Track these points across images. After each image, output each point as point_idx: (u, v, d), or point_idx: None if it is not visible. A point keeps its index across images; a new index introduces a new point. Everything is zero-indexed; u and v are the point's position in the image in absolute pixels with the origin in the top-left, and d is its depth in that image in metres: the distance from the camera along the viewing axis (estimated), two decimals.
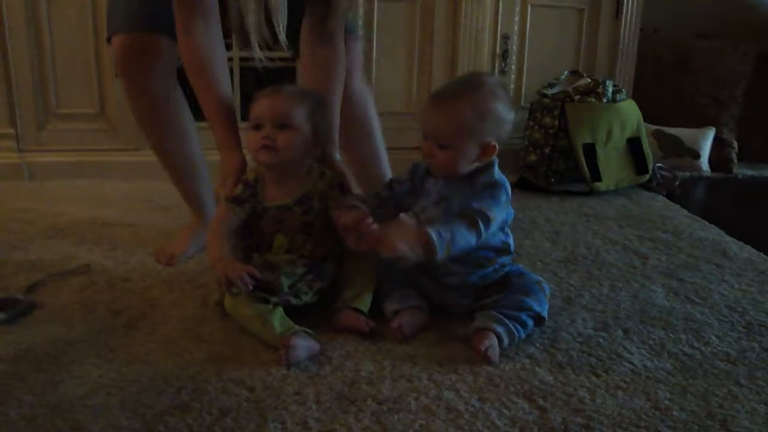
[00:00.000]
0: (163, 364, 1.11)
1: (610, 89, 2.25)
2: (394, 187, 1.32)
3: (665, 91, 2.75)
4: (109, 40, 1.48)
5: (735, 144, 2.60)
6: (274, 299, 1.18)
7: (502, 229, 1.25)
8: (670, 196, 2.26)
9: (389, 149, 2.45)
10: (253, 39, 1.33)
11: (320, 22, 1.38)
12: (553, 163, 2.24)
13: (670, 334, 1.25)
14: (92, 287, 1.40)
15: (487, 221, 1.15)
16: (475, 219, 1.15)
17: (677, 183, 2.34)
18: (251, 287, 1.16)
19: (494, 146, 1.21)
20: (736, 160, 2.59)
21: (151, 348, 1.16)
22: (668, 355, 1.17)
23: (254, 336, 1.17)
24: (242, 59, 2.40)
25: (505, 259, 1.27)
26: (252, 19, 1.31)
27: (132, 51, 1.43)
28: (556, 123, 2.22)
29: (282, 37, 1.34)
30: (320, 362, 1.11)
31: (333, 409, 0.98)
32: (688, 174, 2.51)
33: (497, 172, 1.23)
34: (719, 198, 2.39)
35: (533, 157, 2.27)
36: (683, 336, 1.24)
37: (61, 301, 1.33)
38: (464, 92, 1.20)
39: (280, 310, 1.18)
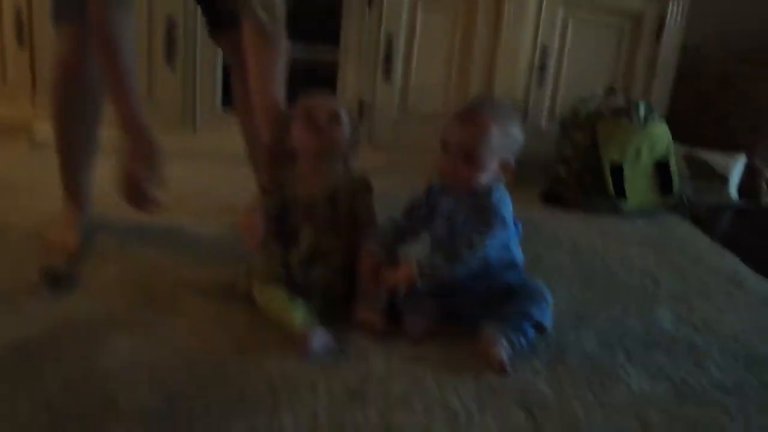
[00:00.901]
0: (190, 346, 1.20)
1: (643, 111, 2.27)
2: (413, 214, 1.38)
3: (702, 112, 2.77)
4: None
5: (766, 173, 2.60)
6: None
7: (506, 246, 1.32)
8: (695, 221, 2.28)
9: (420, 150, 2.52)
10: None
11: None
12: (582, 180, 2.28)
13: (672, 360, 1.29)
14: (129, 264, 1.51)
15: (471, 246, 1.24)
16: (456, 252, 1.25)
17: (703, 208, 2.36)
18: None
19: (512, 165, 1.28)
20: (766, 190, 2.60)
21: (181, 330, 1.25)
22: (667, 381, 1.22)
23: (277, 326, 1.25)
24: None
25: (512, 274, 1.33)
26: None
27: (83, 44, 1.45)
28: (588, 141, 2.26)
29: None
30: (336, 357, 1.20)
31: (343, 402, 1.06)
32: (715, 200, 2.52)
33: (500, 192, 1.30)
34: (744, 227, 2.40)
35: (562, 172, 2.32)
36: (683, 363, 1.29)
37: (100, 278, 1.44)
38: (489, 109, 1.29)
39: (304, 306, 1.26)
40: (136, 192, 1.34)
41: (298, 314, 1.24)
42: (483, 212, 1.27)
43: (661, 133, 2.29)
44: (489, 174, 1.28)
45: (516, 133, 1.30)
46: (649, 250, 1.94)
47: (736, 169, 2.58)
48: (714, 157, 2.58)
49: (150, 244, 1.64)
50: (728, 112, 2.75)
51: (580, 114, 2.32)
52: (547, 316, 1.29)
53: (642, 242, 2.00)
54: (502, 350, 1.21)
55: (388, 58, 2.48)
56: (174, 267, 1.52)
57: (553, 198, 2.33)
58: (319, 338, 1.20)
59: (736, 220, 2.47)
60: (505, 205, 1.29)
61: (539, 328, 1.28)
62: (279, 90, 1.49)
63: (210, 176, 2.25)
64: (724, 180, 2.56)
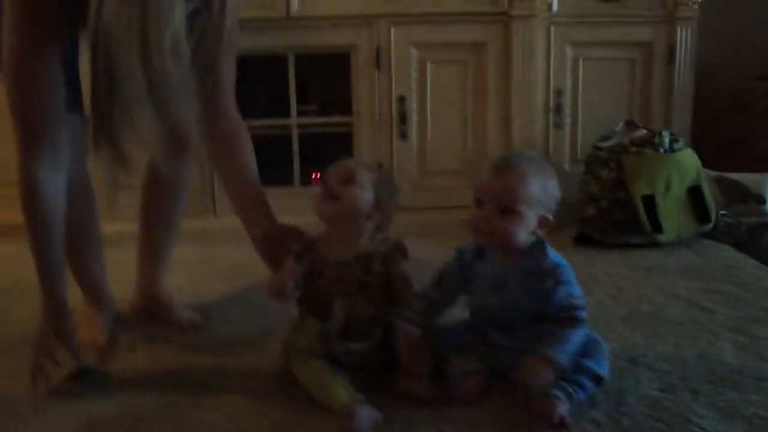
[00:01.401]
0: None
1: (667, 139, 2.22)
2: (444, 282, 1.32)
3: (723, 136, 2.71)
4: None
5: None
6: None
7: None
8: (737, 245, 2.20)
9: (443, 209, 2.49)
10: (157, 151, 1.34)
11: (212, 95, 1.38)
12: (611, 216, 2.22)
13: (742, 395, 1.21)
14: (161, 358, 1.46)
15: (578, 309, 1.20)
16: (569, 316, 1.19)
17: (743, 230, 2.28)
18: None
19: (550, 220, 1.23)
20: None
21: (216, 418, 1.20)
22: (741, 419, 1.14)
23: (319, 402, 1.20)
24: (300, 125, 2.49)
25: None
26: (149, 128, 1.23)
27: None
28: (613, 175, 2.21)
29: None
30: (383, 430, 1.13)
31: None
32: (754, 220, 2.44)
33: (554, 252, 1.25)
34: None
35: (591, 210, 2.26)
36: (755, 397, 1.20)
37: (131, 371, 1.39)
38: (527, 161, 1.24)
39: (345, 379, 1.21)
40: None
41: (341, 389, 1.18)
42: (554, 271, 1.22)
43: (689, 159, 2.23)
44: (528, 229, 1.22)
45: (553, 187, 1.25)
46: (694, 280, 1.85)
47: None
48: (746, 177, 2.51)
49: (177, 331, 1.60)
50: (750, 133, 2.69)
51: (602, 150, 2.27)
52: (604, 367, 1.22)
53: (686, 273, 1.92)
54: (561, 405, 1.13)
55: (403, 119, 2.47)
56: (205, 352, 1.48)
57: (586, 240, 2.26)
58: (366, 413, 1.14)
59: None
60: (563, 261, 1.24)
61: (598, 380, 1.20)
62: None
63: (233, 257, 2.21)
64: (760, 199, 2.48)
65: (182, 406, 1.24)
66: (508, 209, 1.20)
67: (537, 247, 1.25)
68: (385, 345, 1.29)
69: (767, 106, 2.66)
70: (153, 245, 1.63)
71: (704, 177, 2.25)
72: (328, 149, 2.45)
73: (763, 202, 2.50)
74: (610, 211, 2.22)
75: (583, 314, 1.20)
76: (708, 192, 2.24)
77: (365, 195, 1.29)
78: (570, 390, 1.16)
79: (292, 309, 1.36)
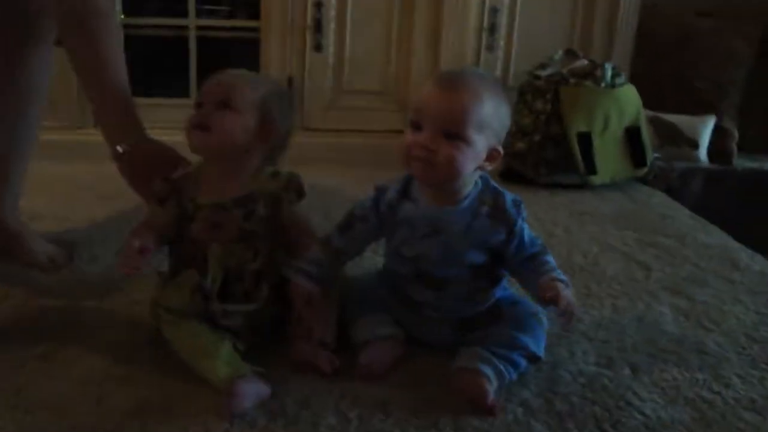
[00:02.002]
0: (78, 412, 0.90)
1: (609, 73, 2.04)
2: (356, 227, 1.07)
3: (662, 73, 2.55)
4: None
5: (736, 134, 2.42)
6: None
7: None
8: (669, 191, 2.08)
9: (362, 132, 2.26)
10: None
11: None
12: (544, 152, 2.04)
13: (685, 373, 1.07)
14: (6, 302, 1.18)
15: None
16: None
17: (675, 176, 2.16)
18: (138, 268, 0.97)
19: (500, 153, 1.01)
20: (736, 151, 2.41)
21: (66, 390, 0.95)
22: (684, 401, 0.99)
23: (194, 372, 0.97)
24: (200, 28, 2.15)
25: (499, 289, 1.07)
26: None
27: None
28: (549, 108, 2.02)
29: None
30: (271, 411, 0.91)
31: None
32: (685, 165, 2.32)
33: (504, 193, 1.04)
34: (719, 193, 2.23)
35: (521, 145, 2.07)
36: (700, 376, 1.06)
37: None
38: (479, 80, 0.99)
39: (227, 345, 0.98)
40: None
41: (220, 360, 0.95)
42: (499, 215, 1.02)
43: (630, 96, 2.07)
44: (476, 161, 0.99)
45: (506, 115, 1.01)
46: (629, 230, 1.71)
47: (706, 131, 2.38)
48: (682, 120, 2.38)
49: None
50: (691, 72, 2.54)
51: (539, 80, 2.06)
52: (542, 345, 1.03)
53: (619, 221, 1.78)
54: (488, 386, 0.95)
55: (319, 27, 2.17)
56: (61, 300, 1.21)
57: (514, 176, 2.08)
58: (250, 390, 0.92)
59: (710, 186, 2.28)
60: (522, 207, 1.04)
61: (533, 359, 1.02)
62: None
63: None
64: (693, 144, 2.36)
65: (19, 374, 0.98)
66: (455, 135, 0.95)
67: (486, 185, 1.04)
68: (277, 304, 1.05)
69: (708, 44, 2.51)
70: None
71: (643, 117, 2.10)
72: (232, 58, 2.14)
73: (696, 146, 2.38)
74: (542, 147, 2.04)
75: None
76: (646, 133, 2.09)
77: (244, 122, 1.02)
78: (501, 367, 0.98)
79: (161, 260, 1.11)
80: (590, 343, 1.14)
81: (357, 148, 2.16)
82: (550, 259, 1.03)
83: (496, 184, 1.05)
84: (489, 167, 1.02)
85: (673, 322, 1.23)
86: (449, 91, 0.96)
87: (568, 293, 0.96)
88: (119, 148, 1.10)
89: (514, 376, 1.00)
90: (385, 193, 1.06)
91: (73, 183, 1.88)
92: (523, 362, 1.01)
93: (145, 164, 1.08)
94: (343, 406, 0.94)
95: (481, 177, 1.04)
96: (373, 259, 1.28)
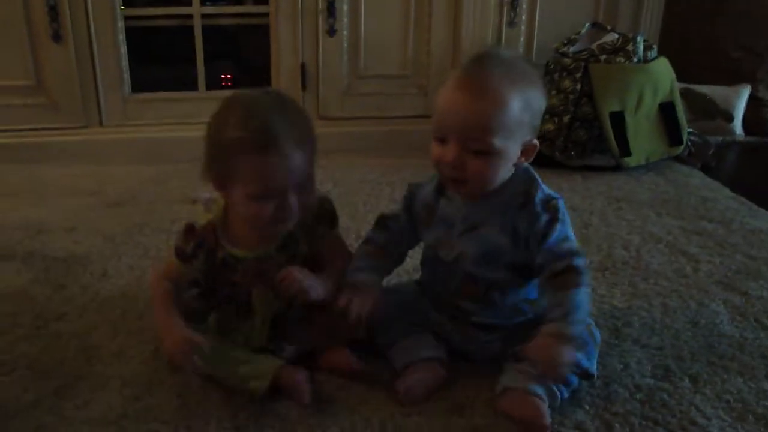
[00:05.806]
0: None
1: (641, 46, 1.92)
2: (390, 226, 1.03)
3: (694, 41, 2.42)
4: None
5: None
6: None
7: None
8: (705, 168, 1.97)
9: (382, 118, 2.16)
10: None
11: None
12: (573, 134, 1.93)
13: (750, 383, 0.99)
14: (14, 332, 1.11)
15: (576, 254, 0.91)
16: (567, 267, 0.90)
17: (711, 152, 2.04)
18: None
19: (536, 146, 0.93)
20: None
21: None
22: (754, 418, 0.91)
23: (227, 385, 0.94)
24: (205, 16, 2.04)
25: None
26: None
27: None
28: (578, 87, 1.91)
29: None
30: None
31: None
32: (720, 139, 2.21)
33: (541, 188, 0.94)
34: (758, 168, 2.10)
35: (550, 126, 1.96)
36: (767, 386, 0.97)
37: None
38: (502, 71, 0.89)
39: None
40: None
41: (259, 362, 0.95)
42: (545, 209, 0.92)
43: (663, 70, 1.95)
44: (509, 165, 0.91)
45: (538, 98, 0.91)
46: (670, 216, 1.61)
47: (741, 102, 2.26)
48: (715, 91, 2.26)
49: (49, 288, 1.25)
50: (724, 40, 2.41)
51: (567, 57, 1.95)
52: (595, 361, 0.95)
53: (659, 206, 1.68)
54: (541, 407, 0.87)
55: (331, 11, 2.06)
56: (80, 326, 1.14)
57: (542, 159, 1.97)
58: (298, 371, 0.93)
59: (747, 161, 2.16)
60: (561, 204, 0.94)
61: (586, 376, 0.94)
62: None
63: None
64: (728, 116, 2.24)
65: (38, 409, 0.92)
66: (481, 150, 0.88)
67: (522, 175, 0.95)
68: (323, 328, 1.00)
69: (743, 9, 2.37)
70: None
71: (677, 92, 1.98)
72: (241, 46, 2.03)
73: (731, 119, 2.26)
74: (571, 128, 1.93)
75: (583, 262, 0.91)
76: (681, 109, 1.97)
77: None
78: (554, 387, 0.90)
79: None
80: (643, 350, 1.06)
81: (377, 136, 2.06)
82: (573, 294, 0.88)
83: (536, 175, 0.97)
84: (525, 162, 0.94)
85: (730, 323, 1.15)
86: (471, 96, 0.87)
87: (559, 359, 0.85)
88: None
89: (566, 394, 0.92)
90: (417, 193, 1.02)
91: (77, 188, 1.79)
92: (575, 380, 0.93)
93: None
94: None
95: (521, 169, 0.95)
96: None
